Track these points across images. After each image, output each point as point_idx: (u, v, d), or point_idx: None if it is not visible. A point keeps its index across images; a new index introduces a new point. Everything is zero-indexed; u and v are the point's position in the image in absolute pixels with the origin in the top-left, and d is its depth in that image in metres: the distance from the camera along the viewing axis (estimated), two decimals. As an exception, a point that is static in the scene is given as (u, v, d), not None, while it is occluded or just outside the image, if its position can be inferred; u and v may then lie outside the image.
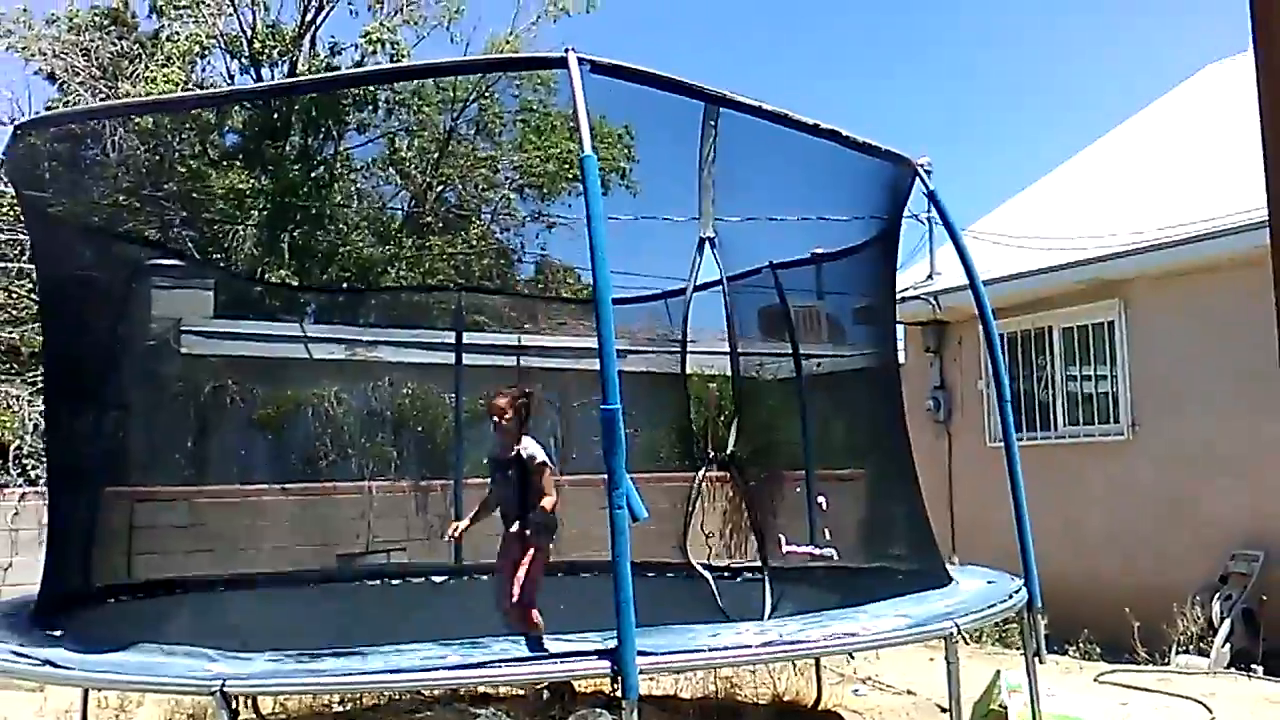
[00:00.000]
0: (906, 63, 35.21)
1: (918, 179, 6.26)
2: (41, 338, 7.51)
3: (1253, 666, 8.47)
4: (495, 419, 6.61)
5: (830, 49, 35.06)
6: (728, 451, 7.68)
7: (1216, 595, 9.01)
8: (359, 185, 17.98)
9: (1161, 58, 32.48)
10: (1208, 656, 8.65)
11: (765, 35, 34.39)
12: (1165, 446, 9.97)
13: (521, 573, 6.27)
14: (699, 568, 7.51)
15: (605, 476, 4.17)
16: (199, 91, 14.96)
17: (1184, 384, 9.86)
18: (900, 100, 33.60)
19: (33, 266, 11.89)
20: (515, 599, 6.20)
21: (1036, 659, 5.94)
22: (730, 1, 32.78)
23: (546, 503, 6.38)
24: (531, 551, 6.32)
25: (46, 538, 6.02)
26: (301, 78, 15.93)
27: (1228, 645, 8.70)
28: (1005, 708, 6.26)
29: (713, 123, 6.28)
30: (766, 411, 8.95)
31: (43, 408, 10.22)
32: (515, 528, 6.43)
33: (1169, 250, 9.68)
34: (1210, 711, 7.12)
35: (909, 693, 7.85)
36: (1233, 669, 8.53)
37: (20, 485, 10.19)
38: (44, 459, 9.29)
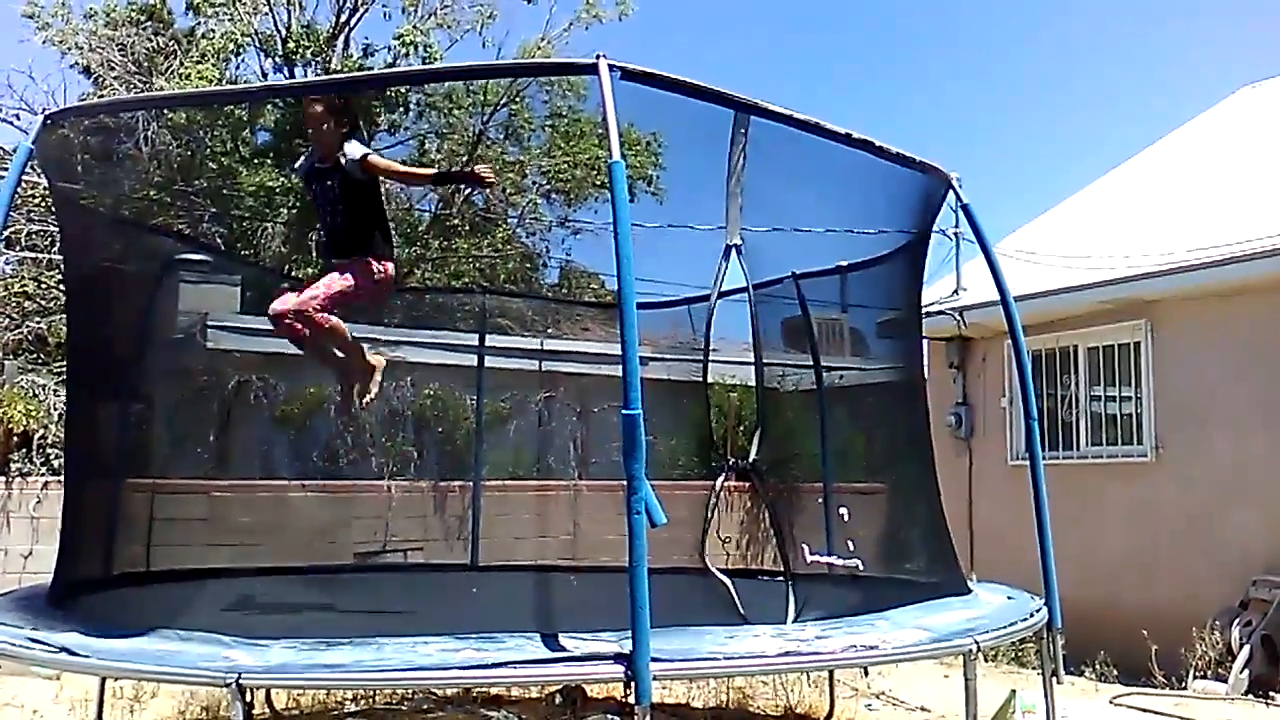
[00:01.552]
0: (935, 79, 35.15)
1: (951, 192, 6.22)
2: (66, 328, 7.56)
3: (1271, 694, 8.41)
4: (312, 129, 5.69)
5: (860, 64, 35.04)
6: (749, 460, 7.65)
7: (1236, 620, 8.94)
8: (387, 186, 18.02)
9: (1194, 80, 32.34)
10: (1225, 682, 8.59)
11: (796, 47, 34.40)
12: (1189, 469, 9.90)
13: (331, 280, 5.57)
14: (717, 573, 7.47)
15: (624, 482, 4.15)
16: (229, 86, 14.99)
17: (1209, 407, 9.79)
18: (928, 117, 33.55)
19: (61, 257, 11.99)
20: (303, 301, 5.52)
21: (1054, 679, 5.89)
22: (762, 13, 32.83)
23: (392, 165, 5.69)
24: (354, 269, 5.60)
25: (61, 526, 6.04)
26: (334, 76, 16.00)
27: (1246, 671, 8.64)
28: (1019, 727, 6.23)
29: (743, 131, 6.26)
30: (788, 422, 8.92)
31: (65, 397, 10.31)
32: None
33: (1198, 272, 9.63)
34: (1227, 737, 7.08)
35: (923, 709, 7.81)
36: (1250, 695, 8.47)
37: (43, 474, 10.25)
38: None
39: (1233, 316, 9.64)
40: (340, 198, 5.63)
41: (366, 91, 15.27)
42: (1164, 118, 32.67)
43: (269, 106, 15.86)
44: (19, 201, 12.02)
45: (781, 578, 7.31)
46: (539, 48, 17.38)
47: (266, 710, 6.98)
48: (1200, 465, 9.80)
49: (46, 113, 5.45)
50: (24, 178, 5.48)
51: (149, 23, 16.68)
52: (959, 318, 11.76)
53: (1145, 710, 7.90)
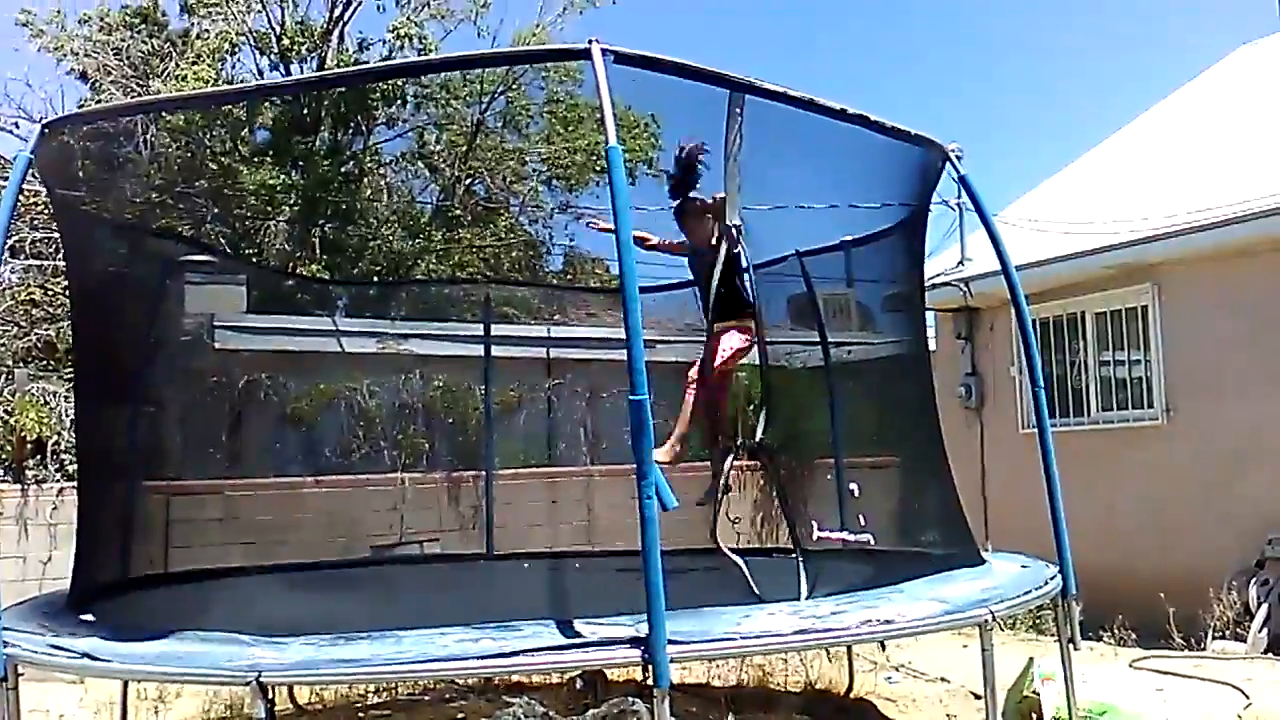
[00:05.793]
0: (936, 47, 35.00)
1: (948, 164, 6.21)
2: (72, 335, 7.58)
3: (1290, 652, 8.42)
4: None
5: (858, 35, 34.88)
6: (756, 439, 7.64)
7: (1253, 580, 8.94)
8: (388, 179, 18.06)
9: (1194, 39, 32.15)
10: (1244, 642, 8.60)
11: (791, 26, 34.25)
12: (1201, 431, 9.88)
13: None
14: (729, 553, 7.48)
15: (634, 466, 4.16)
16: (227, 87, 14.97)
17: (1219, 368, 9.77)
18: (930, 86, 33.41)
19: (65, 264, 12.01)
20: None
21: (1071, 646, 5.90)
22: (756, -10, 32.67)
23: None
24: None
25: (77, 531, 6.07)
26: (331, 71, 15.98)
27: (1264, 630, 8.64)
28: (1038, 694, 6.24)
29: (738, 110, 6.24)
30: (796, 399, 8.92)
31: (75, 403, 10.34)
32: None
33: (1202, 234, 9.59)
34: (1247, 696, 7.07)
35: (942, 680, 7.84)
36: (1270, 654, 8.48)
37: (58, 480, 10.30)
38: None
39: (1238, 277, 9.59)
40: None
41: (366, 85, 15.31)
42: (1162, 79, 32.43)
43: (266, 104, 15.86)
44: (22, 209, 12.04)
45: (794, 555, 7.33)
46: (534, 34, 17.35)
47: (290, 706, 7.03)
48: (1213, 426, 9.77)
49: (44, 121, 5.46)
50: (26, 185, 5.48)
51: (143, 25, 16.68)
52: (965, 288, 11.72)
53: (1165, 672, 7.91)
